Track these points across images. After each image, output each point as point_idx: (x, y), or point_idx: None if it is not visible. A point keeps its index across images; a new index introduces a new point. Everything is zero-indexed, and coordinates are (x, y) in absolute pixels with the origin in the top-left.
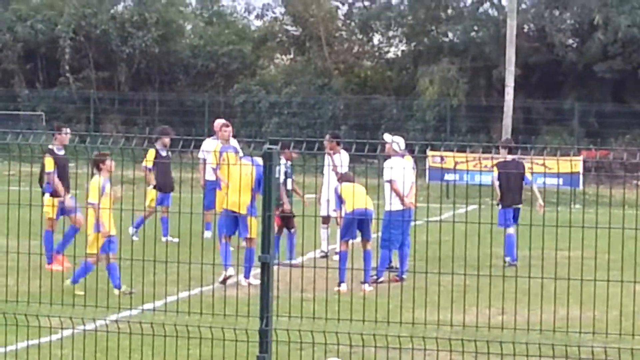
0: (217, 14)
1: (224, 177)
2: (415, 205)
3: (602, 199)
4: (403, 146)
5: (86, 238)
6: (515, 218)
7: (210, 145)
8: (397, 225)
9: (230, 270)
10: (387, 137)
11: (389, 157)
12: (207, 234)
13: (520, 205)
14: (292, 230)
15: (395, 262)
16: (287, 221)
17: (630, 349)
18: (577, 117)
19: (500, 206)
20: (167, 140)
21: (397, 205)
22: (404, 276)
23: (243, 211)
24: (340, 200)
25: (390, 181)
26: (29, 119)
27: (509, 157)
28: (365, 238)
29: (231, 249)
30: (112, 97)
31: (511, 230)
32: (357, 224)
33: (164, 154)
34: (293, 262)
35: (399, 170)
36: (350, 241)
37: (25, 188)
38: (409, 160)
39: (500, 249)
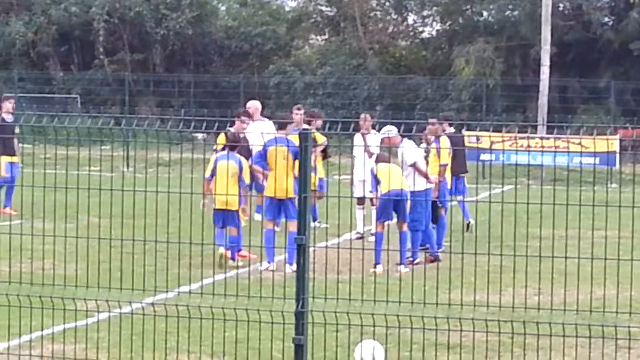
0: None
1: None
2: (451, 185)
3: (638, 177)
4: (395, 130)
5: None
6: (463, 188)
7: (249, 128)
8: (421, 205)
9: (272, 265)
10: (383, 137)
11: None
12: (258, 217)
13: (464, 175)
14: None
15: None
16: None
17: None
18: (613, 96)
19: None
20: (319, 122)
21: (420, 185)
22: (438, 255)
23: (290, 195)
24: (376, 181)
25: (414, 164)
26: (64, 102)
27: (452, 130)
28: (402, 219)
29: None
30: (146, 79)
31: (460, 197)
32: (393, 204)
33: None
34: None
35: (415, 151)
36: (386, 222)
37: (61, 171)
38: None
39: (536, 229)
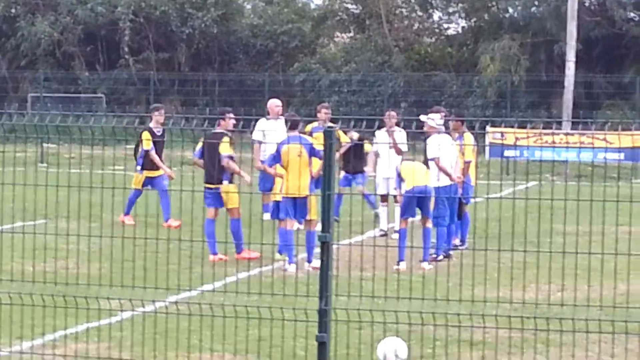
0: None
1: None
2: (476, 182)
3: None
4: (440, 121)
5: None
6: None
7: (265, 126)
8: (444, 201)
9: (292, 267)
10: (422, 117)
11: (429, 136)
12: (266, 216)
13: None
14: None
15: (454, 240)
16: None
17: None
18: (638, 91)
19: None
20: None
21: (444, 181)
22: (450, 253)
23: (304, 193)
24: (400, 179)
25: (434, 159)
26: (89, 102)
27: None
28: (425, 216)
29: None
30: (172, 78)
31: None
32: (416, 201)
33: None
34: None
35: (442, 147)
36: (410, 219)
37: (85, 170)
38: (448, 137)
39: (560, 225)
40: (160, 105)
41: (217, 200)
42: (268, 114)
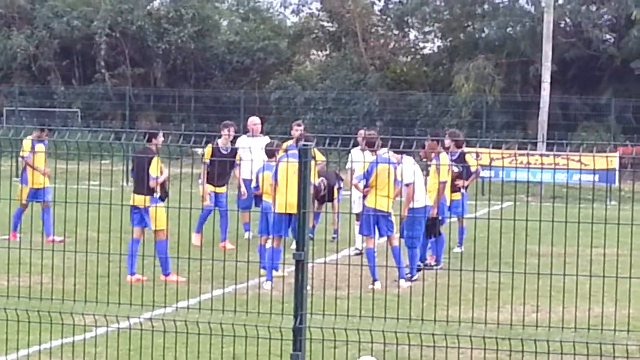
0: (253, 9)
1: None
2: (450, 202)
3: (638, 195)
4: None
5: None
6: None
7: (245, 143)
8: (420, 222)
9: (268, 285)
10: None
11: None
12: (247, 235)
13: None
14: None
15: (431, 259)
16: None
17: None
18: (613, 113)
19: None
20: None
21: (419, 203)
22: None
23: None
24: (366, 173)
25: (409, 184)
26: (64, 116)
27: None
28: (385, 235)
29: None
30: (147, 94)
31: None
32: (374, 219)
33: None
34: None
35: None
36: (378, 239)
37: (60, 185)
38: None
39: (535, 246)
40: (231, 123)
41: (143, 220)
42: (248, 130)
